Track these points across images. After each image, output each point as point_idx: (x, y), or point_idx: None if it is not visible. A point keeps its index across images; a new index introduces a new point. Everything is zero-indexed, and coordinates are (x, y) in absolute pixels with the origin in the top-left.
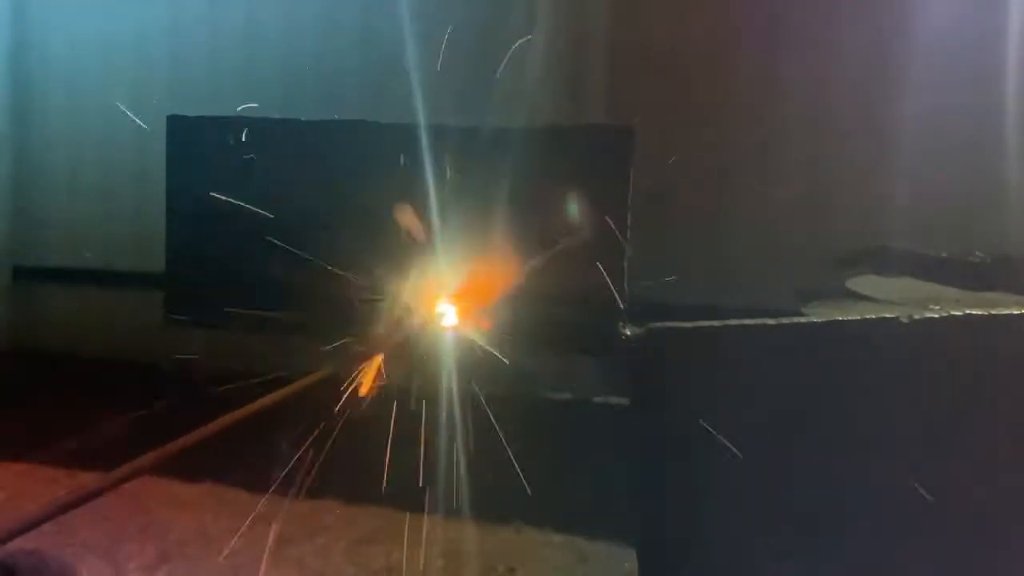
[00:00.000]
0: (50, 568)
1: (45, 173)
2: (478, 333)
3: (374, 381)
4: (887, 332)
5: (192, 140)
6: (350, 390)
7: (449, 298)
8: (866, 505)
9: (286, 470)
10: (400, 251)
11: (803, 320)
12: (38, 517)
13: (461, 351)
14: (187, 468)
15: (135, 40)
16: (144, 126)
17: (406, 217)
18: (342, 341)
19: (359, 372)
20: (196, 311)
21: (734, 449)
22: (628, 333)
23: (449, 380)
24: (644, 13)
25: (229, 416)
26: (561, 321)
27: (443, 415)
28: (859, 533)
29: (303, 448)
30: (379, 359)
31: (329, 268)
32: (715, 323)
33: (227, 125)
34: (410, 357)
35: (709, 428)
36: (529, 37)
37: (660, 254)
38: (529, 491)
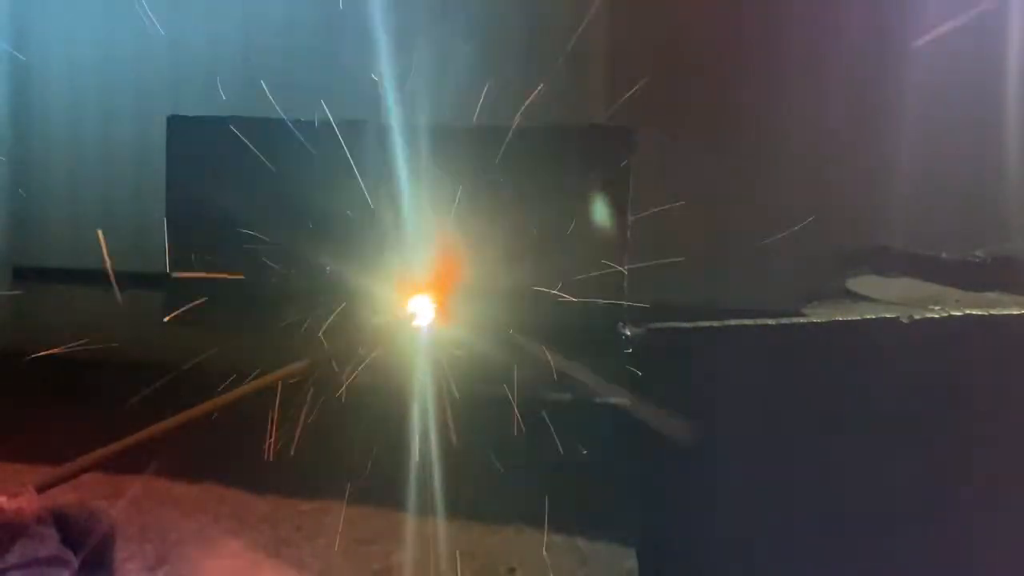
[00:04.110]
0: (99, 520)
1: (45, 173)
2: (477, 333)
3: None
4: (887, 332)
5: (192, 140)
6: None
7: (447, 298)
8: (866, 503)
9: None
10: (400, 251)
11: (803, 320)
12: (79, 468)
13: (460, 351)
14: (187, 468)
15: (135, 41)
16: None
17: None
18: (338, 336)
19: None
20: (195, 310)
21: (734, 448)
22: (628, 333)
23: (449, 380)
24: (644, 13)
25: (206, 404)
26: (561, 321)
27: (443, 416)
28: (859, 531)
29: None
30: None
31: (328, 267)
32: (715, 323)
33: (227, 125)
34: (408, 356)
35: (708, 428)
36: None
37: (661, 254)
38: (529, 491)
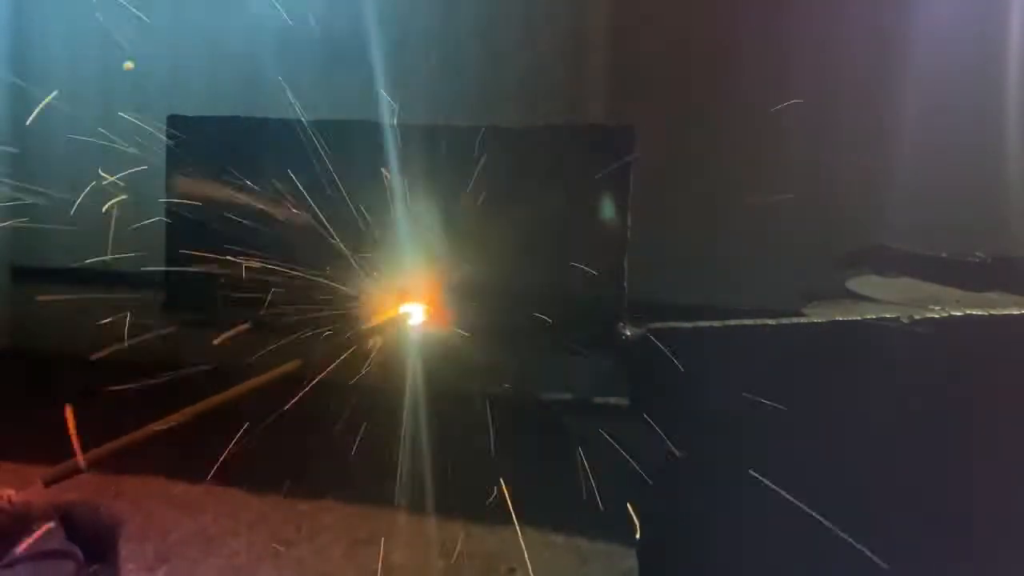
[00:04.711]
0: (102, 516)
1: (45, 173)
2: (477, 333)
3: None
4: (887, 332)
5: (192, 140)
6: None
7: (445, 299)
8: (866, 503)
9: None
10: (398, 252)
11: (803, 320)
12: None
13: (460, 352)
14: (187, 468)
15: (135, 41)
16: None
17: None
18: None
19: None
20: (195, 310)
21: (733, 448)
22: (628, 333)
23: (449, 381)
24: (644, 13)
25: (203, 403)
26: (561, 321)
27: (443, 415)
28: (859, 532)
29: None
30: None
31: (327, 267)
32: (715, 323)
33: (227, 125)
34: (408, 356)
35: (708, 428)
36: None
37: (661, 254)
38: (529, 492)
